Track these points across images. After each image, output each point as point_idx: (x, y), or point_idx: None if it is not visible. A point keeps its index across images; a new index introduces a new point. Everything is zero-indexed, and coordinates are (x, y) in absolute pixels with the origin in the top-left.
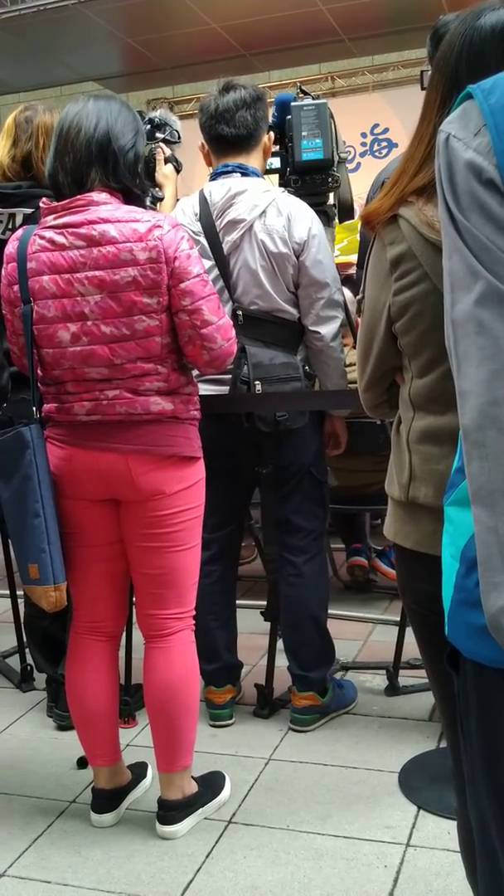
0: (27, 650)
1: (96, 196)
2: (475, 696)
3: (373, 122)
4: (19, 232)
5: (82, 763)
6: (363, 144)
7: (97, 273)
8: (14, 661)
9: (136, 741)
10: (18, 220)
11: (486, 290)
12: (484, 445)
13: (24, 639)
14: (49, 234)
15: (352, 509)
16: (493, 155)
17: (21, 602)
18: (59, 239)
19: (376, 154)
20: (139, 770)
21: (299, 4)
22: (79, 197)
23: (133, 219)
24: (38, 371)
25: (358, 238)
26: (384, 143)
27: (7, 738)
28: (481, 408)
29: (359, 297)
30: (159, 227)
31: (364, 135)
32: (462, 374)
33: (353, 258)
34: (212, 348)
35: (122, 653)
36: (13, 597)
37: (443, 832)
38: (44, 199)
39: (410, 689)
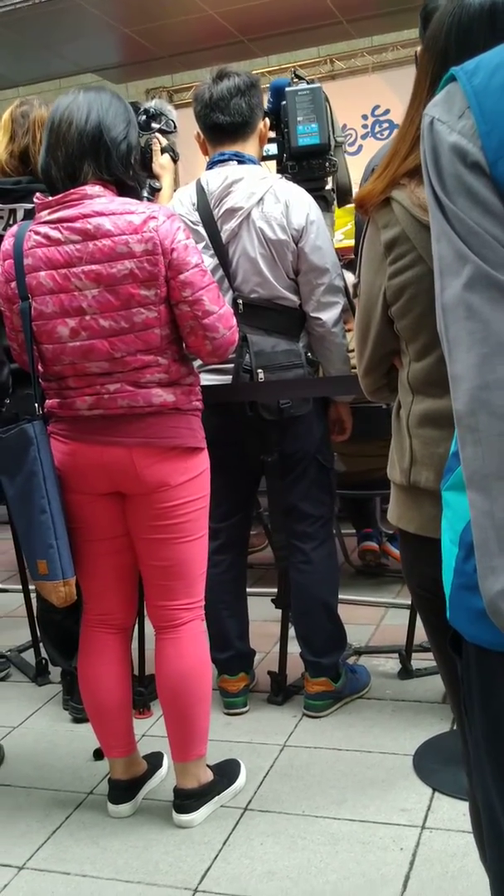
0: (41, 644)
1: (90, 189)
2: (478, 679)
3: (373, 103)
4: (14, 228)
5: (98, 755)
6: (364, 126)
7: (94, 267)
8: (29, 656)
9: (152, 731)
10: (20, 215)
11: (475, 273)
12: (477, 430)
13: (38, 633)
14: (44, 229)
15: (361, 494)
16: (477, 137)
17: (34, 597)
18: (55, 234)
19: (378, 136)
20: (155, 760)
21: None
22: (72, 191)
23: (128, 211)
24: (39, 367)
25: None
26: (385, 125)
27: (24, 731)
28: (473, 392)
29: (354, 281)
30: (154, 218)
31: (365, 117)
32: (453, 358)
33: None
34: (214, 338)
35: (135, 644)
36: (26, 592)
37: (458, 814)
38: (38, 194)
39: (423, 672)
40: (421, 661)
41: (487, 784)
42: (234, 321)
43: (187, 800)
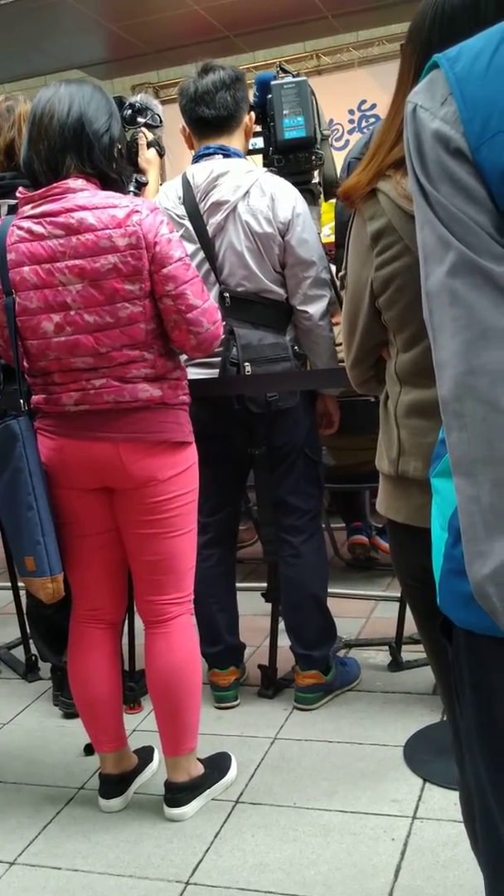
0: (31, 641)
1: (73, 183)
2: (468, 663)
3: (360, 98)
4: None
5: (89, 750)
6: (351, 121)
7: (77, 262)
8: (18, 652)
9: (143, 726)
10: (3, 211)
11: (458, 260)
12: (462, 415)
13: (28, 629)
14: (27, 223)
15: (351, 488)
16: (459, 124)
17: (23, 593)
18: (38, 229)
19: (364, 130)
20: (146, 754)
21: None
22: (55, 185)
23: (111, 205)
24: (24, 363)
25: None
26: (372, 119)
27: (14, 727)
28: (458, 378)
29: (341, 273)
30: (137, 212)
31: (352, 111)
32: (438, 345)
33: None
34: (198, 332)
35: (125, 640)
36: (15, 588)
37: (449, 803)
38: (20, 188)
39: (413, 664)
40: (411, 653)
41: (479, 768)
42: (218, 315)
43: (178, 793)
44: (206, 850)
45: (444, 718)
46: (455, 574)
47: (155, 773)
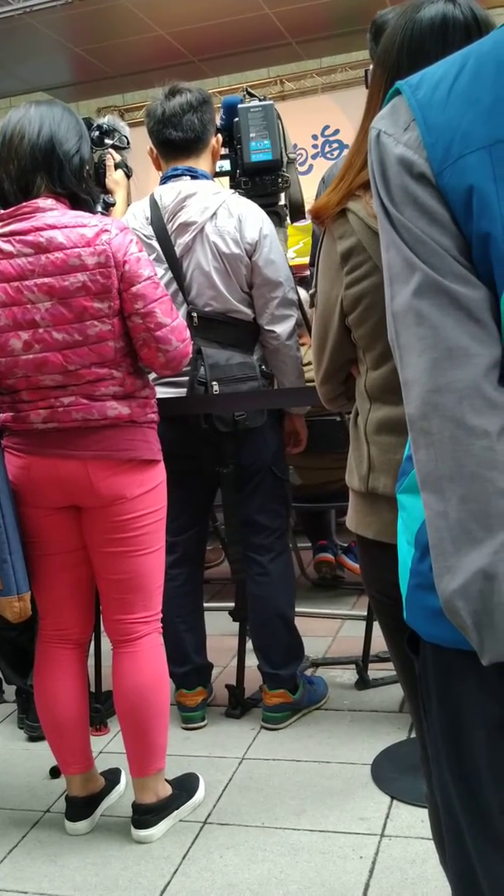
0: None
1: (42, 202)
2: (435, 676)
3: (323, 123)
4: None
5: (55, 773)
6: (315, 147)
7: (46, 280)
8: None
9: (109, 748)
10: None
11: (423, 281)
12: (429, 433)
13: None
14: None
15: (316, 507)
16: (422, 149)
17: None
18: (7, 247)
19: (328, 155)
20: (112, 776)
21: (245, 9)
22: (24, 204)
23: (80, 224)
24: None
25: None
26: (335, 145)
27: None
28: (424, 396)
29: (311, 291)
30: (107, 231)
31: (315, 136)
32: (405, 364)
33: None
34: (167, 350)
35: (91, 661)
36: None
37: (416, 821)
38: None
39: (380, 682)
40: (378, 671)
41: (445, 780)
42: (187, 334)
43: (146, 815)
44: (175, 872)
45: (412, 736)
46: (422, 588)
47: (122, 795)
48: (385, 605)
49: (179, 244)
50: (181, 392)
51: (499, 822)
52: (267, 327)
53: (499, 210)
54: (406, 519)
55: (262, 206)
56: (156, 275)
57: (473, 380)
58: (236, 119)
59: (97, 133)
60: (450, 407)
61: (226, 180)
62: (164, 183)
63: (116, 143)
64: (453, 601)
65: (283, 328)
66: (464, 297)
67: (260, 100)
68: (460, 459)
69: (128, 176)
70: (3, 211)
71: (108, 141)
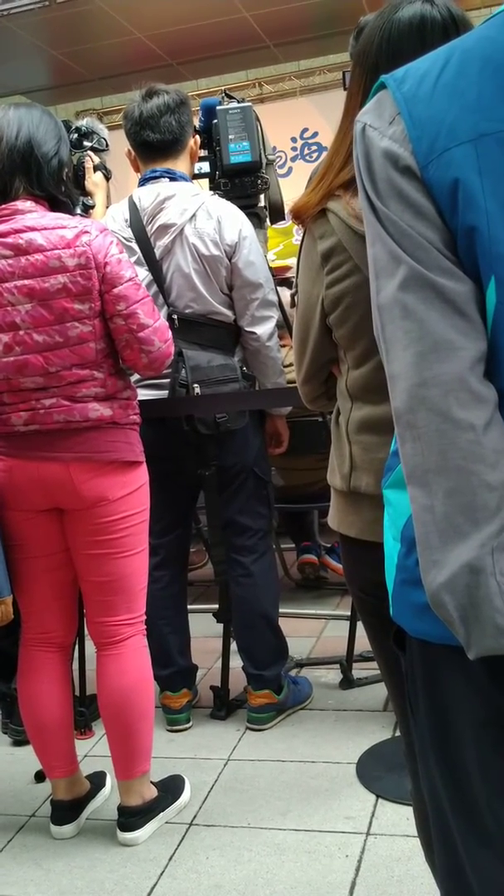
0: None
1: (21, 205)
2: (422, 672)
3: (302, 126)
4: None
5: (40, 777)
6: (294, 149)
7: (26, 282)
8: None
9: (94, 751)
10: None
11: (409, 274)
12: (416, 426)
13: None
14: None
15: (299, 508)
16: (408, 142)
17: None
18: None
19: (307, 158)
20: (97, 780)
21: (223, 12)
22: (3, 206)
23: (60, 225)
24: None
25: (293, 242)
26: (314, 147)
27: None
28: (410, 390)
29: (292, 291)
30: (87, 232)
31: (294, 139)
32: (390, 358)
33: (290, 262)
34: (150, 351)
35: (75, 665)
36: None
37: (402, 818)
38: None
39: (364, 682)
40: (362, 670)
41: (433, 776)
42: (169, 334)
43: (132, 817)
44: (161, 874)
45: (396, 734)
46: (408, 584)
47: (107, 798)
48: (368, 604)
49: (159, 246)
50: (162, 394)
51: (486, 816)
52: (247, 329)
53: (484, 203)
54: (392, 514)
55: (242, 207)
56: (137, 276)
57: (459, 373)
58: (215, 121)
59: (76, 135)
60: (436, 400)
61: (205, 182)
62: (143, 185)
63: (95, 146)
64: (440, 595)
65: (263, 329)
66: (449, 291)
67: (238, 102)
68: (446, 453)
69: (107, 178)
70: None
71: (86, 143)
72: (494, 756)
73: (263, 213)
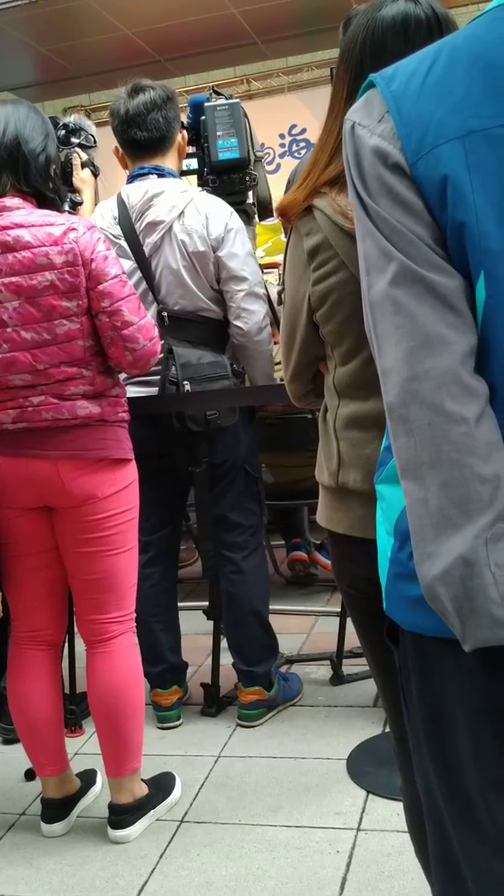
0: None
1: (9, 201)
2: (415, 666)
3: (290, 122)
4: None
5: (30, 775)
6: (282, 146)
7: (14, 279)
8: None
9: (84, 749)
10: None
11: (400, 270)
12: (408, 420)
13: None
14: None
15: (289, 504)
16: (397, 139)
17: None
18: None
19: (295, 154)
20: (88, 777)
21: (211, 8)
22: None
23: (47, 222)
24: None
25: (282, 239)
26: (302, 144)
27: None
28: (403, 384)
29: (279, 288)
30: (74, 229)
31: (282, 136)
32: (382, 353)
33: (279, 258)
34: (134, 349)
35: (65, 663)
36: None
37: (392, 814)
38: None
39: (354, 678)
40: (352, 667)
41: (427, 769)
42: (155, 332)
43: (122, 815)
44: (152, 871)
45: (386, 730)
46: (402, 577)
47: (98, 796)
48: (357, 600)
49: (148, 243)
50: (153, 391)
51: (480, 809)
52: (234, 322)
53: (473, 199)
54: (385, 509)
55: (231, 204)
56: (124, 273)
57: (451, 367)
58: (203, 118)
59: (64, 132)
60: (428, 394)
61: (193, 179)
62: (131, 182)
63: (83, 142)
64: (434, 587)
65: (247, 322)
66: (440, 286)
67: (226, 98)
68: (439, 446)
69: (95, 175)
70: None
71: (74, 140)
72: (488, 748)
73: (252, 209)
